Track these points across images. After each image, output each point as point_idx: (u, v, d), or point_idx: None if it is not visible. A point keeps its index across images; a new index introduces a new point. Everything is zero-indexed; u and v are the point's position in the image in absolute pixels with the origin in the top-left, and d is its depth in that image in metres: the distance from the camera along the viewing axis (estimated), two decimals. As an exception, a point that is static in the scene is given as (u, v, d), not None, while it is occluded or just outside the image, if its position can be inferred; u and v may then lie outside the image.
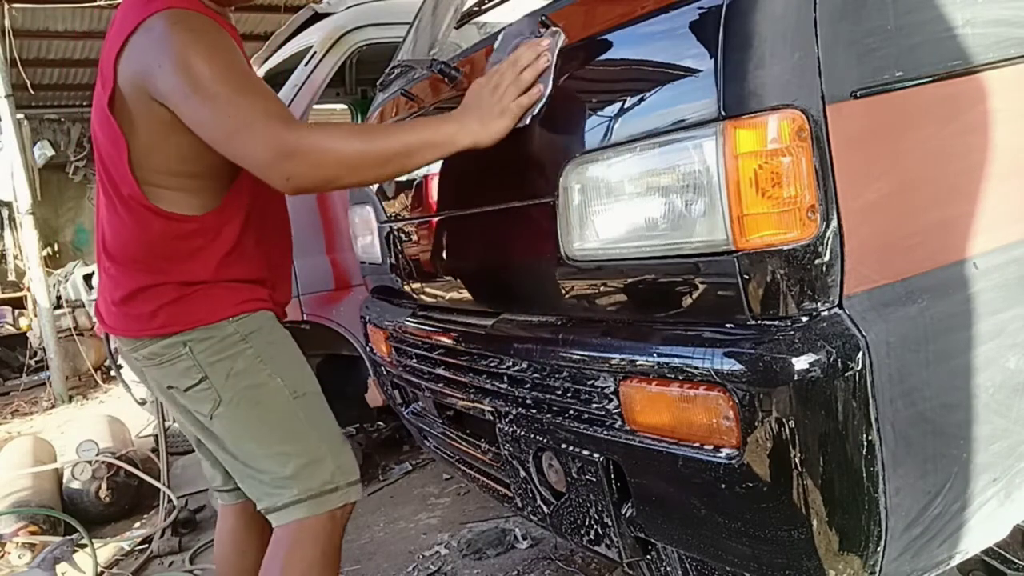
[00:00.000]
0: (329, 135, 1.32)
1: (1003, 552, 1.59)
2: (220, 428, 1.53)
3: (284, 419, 1.51)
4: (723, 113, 1.07)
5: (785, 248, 1.07)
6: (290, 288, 1.76)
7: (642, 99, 1.20)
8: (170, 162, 1.44)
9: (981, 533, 1.25)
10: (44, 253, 7.08)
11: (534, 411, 1.49)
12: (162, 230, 1.47)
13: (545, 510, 1.54)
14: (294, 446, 1.51)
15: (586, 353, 1.34)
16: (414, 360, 2.04)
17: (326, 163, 1.31)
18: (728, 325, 1.14)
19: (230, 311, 1.49)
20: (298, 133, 1.30)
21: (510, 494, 1.69)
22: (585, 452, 1.36)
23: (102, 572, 2.78)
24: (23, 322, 7.85)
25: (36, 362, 7.39)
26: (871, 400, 1.08)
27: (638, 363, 1.24)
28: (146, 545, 2.97)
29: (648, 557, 1.43)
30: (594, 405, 1.33)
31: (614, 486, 1.34)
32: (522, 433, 1.52)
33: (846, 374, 1.06)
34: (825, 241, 1.08)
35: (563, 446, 1.41)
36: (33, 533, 2.91)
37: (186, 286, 1.48)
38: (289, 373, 1.54)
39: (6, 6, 6.67)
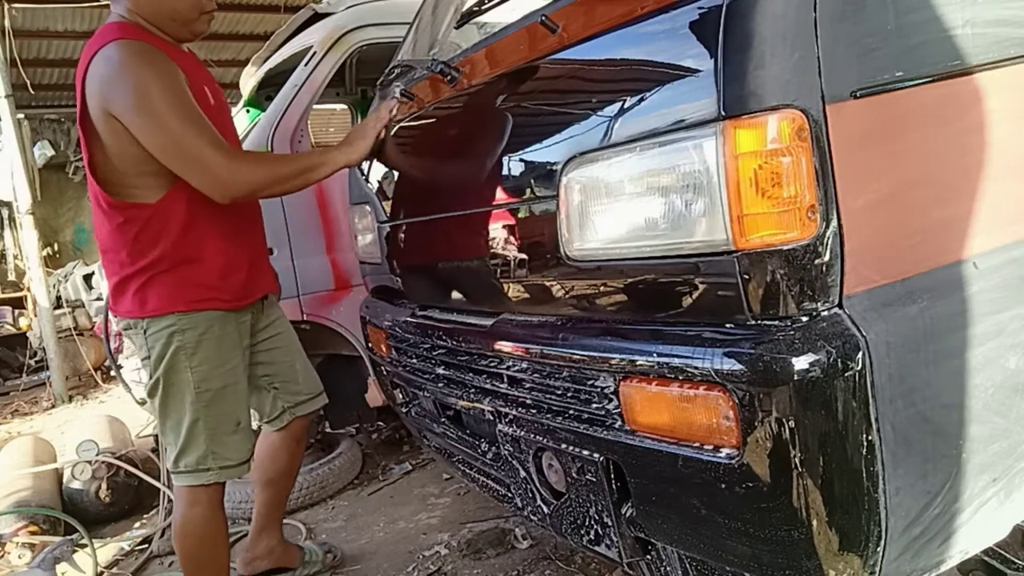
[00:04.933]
0: (253, 161, 1.85)
1: (1003, 552, 1.59)
2: (152, 400, 1.95)
3: (182, 405, 1.90)
4: (723, 113, 1.07)
5: (785, 248, 1.07)
6: (261, 270, 2.08)
7: (642, 99, 1.21)
8: (129, 164, 1.78)
9: (981, 533, 1.26)
10: (44, 253, 7.07)
11: (534, 411, 1.49)
12: (126, 220, 1.82)
13: (545, 510, 1.54)
14: (183, 428, 1.91)
15: (586, 353, 1.34)
16: (414, 360, 2.04)
17: (251, 181, 1.78)
18: (728, 325, 1.14)
19: (180, 307, 1.85)
20: (234, 161, 1.75)
21: (510, 494, 1.69)
22: (585, 452, 1.36)
23: (102, 572, 2.77)
24: (23, 322, 7.83)
25: (36, 362, 7.38)
26: (871, 400, 1.08)
27: (638, 363, 1.24)
28: (146, 545, 2.96)
29: (648, 557, 1.43)
30: (594, 405, 1.33)
31: (614, 486, 1.34)
32: (522, 433, 1.52)
33: (846, 374, 1.06)
34: (825, 241, 1.08)
35: (563, 446, 1.40)
36: (33, 533, 2.91)
37: (153, 276, 1.84)
38: (202, 369, 1.88)
39: (6, 6, 6.65)
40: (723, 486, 1.13)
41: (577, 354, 1.36)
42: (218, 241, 1.89)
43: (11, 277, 8.75)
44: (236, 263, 1.95)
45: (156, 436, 3.38)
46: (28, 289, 7.49)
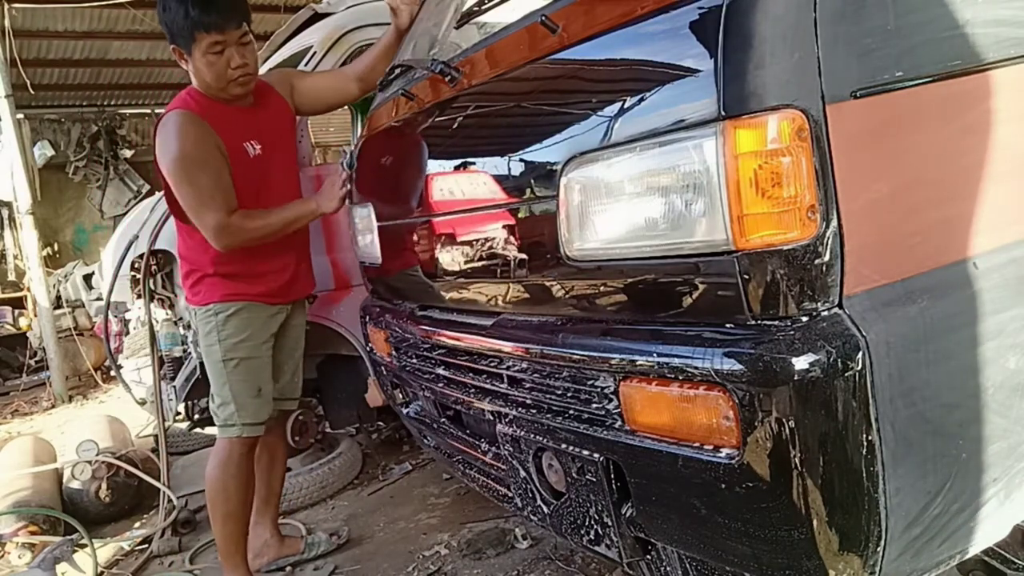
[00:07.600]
0: (244, 218, 2.24)
1: (1003, 552, 1.59)
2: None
3: (216, 372, 2.38)
4: (723, 113, 1.07)
5: (785, 248, 1.07)
6: (298, 276, 2.46)
7: (642, 99, 1.20)
8: None
9: (981, 533, 1.25)
10: (44, 253, 7.06)
11: (534, 411, 1.49)
12: (190, 235, 2.36)
13: (545, 510, 1.54)
14: (216, 391, 2.39)
15: (586, 353, 1.34)
16: (414, 360, 2.04)
17: (242, 234, 2.25)
18: (728, 325, 1.14)
19: (216, 298, 2.34)
20: (228, 219, 2.20)
21: (510, 494, 1.69)
22: (585, 452, 1.36)
23: (102, 572, 2.77)
24: (23, 322, 7.82)
25: (36, 362, 7.37)
26: (871, 400, 1.08)
27: (638, 363, 1.24)
28: (146, 545, 2.96)
29: (648, 557, 1.43)
30: (594, 405, 1.33)
31: (614, 486, 1.34)
32: (522, 433, 1.52)
33: (846, 374, 1.06)
34: (825, 241, 1.08)
35: (563, 446, 1.40)
36: (33, 533, 2.91)
37: (202, 277, 2.35)
38: (229, 341, 2.34)
39: (6, 6, 6.65)
40: (723, 486, 1.13)
41: (577, 354, 1.36)
42: (258, 257, 2.33)
43: (11, 277, 8.74)
44: (273, 272, 2.38)
45: (156, 436, 3.38)
46: (28, 289, 7.49)
